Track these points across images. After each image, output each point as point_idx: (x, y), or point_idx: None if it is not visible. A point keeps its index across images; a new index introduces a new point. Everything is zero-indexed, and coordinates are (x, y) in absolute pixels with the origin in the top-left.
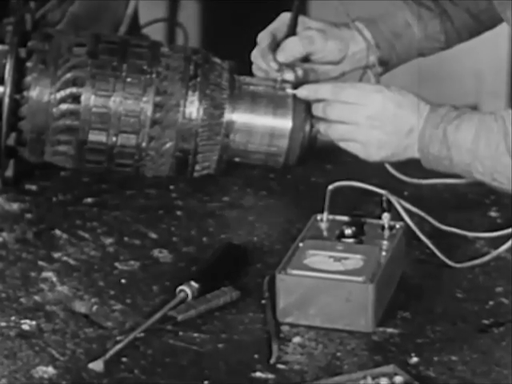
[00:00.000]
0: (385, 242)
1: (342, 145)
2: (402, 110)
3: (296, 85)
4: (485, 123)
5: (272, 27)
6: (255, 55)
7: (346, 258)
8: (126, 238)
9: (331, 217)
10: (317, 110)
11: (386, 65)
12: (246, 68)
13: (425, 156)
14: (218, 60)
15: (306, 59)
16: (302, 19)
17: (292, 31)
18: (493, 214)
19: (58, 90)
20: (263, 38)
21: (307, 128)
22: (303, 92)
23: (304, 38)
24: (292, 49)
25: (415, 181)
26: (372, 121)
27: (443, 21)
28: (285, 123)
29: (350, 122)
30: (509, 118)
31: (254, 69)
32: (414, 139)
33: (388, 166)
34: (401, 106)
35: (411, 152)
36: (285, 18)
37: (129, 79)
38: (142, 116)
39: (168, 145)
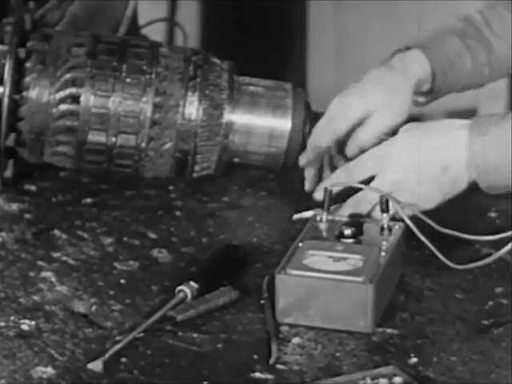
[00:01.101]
0: (384, 243)
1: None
2: (422, 155)
3: None
4: None
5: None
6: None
7: (345, 259)
8: (125, 238)
9: (330, 217)
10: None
11: (436, 92)
12: (246, 68)
13: (481, 174)
14: (217, 60)
15: None
16: None
17: None
18: (492, 214)
19: (58, 91)
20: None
21: (306, 128)
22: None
23: None
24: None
25: None
26: (397, 184)
27: (489, 53)
28: (284, 124)
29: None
30: None
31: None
32: (456, 167)
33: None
34: (418, 152)
35: (460, 182)
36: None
37: (128, 80)
38: (141, 116)
39: (167, 145)
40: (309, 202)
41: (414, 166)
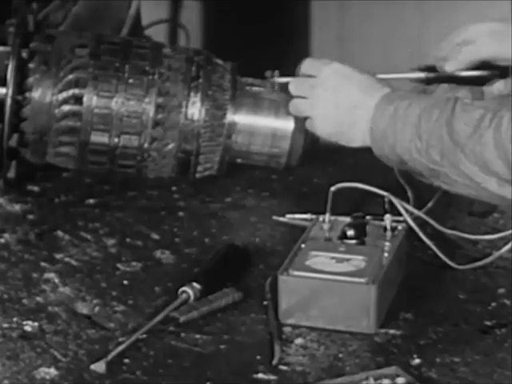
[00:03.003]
0: (387, 244)
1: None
2: (347, 83)
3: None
4: (437, 101)
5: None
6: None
7: (348, 259)
8: (128, 239)
9: (333, 218)
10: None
11: None
12: (248, 69)
13: (373, 134)
14: (220, 61)
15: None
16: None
17: None
18: (495, 214)
19: (60, 91)
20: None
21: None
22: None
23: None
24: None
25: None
26: (316, 90)
27: None
28: (287, 124)
29: (301, 94)
30: (462, 100)
31: None
32: (360, 117)
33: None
34: (347, 80)
35: (360, 133)
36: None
37: (131, 80)
38: (144, 117)
39: (170, 146)
40: (312, 204)
41: (335, 85)
